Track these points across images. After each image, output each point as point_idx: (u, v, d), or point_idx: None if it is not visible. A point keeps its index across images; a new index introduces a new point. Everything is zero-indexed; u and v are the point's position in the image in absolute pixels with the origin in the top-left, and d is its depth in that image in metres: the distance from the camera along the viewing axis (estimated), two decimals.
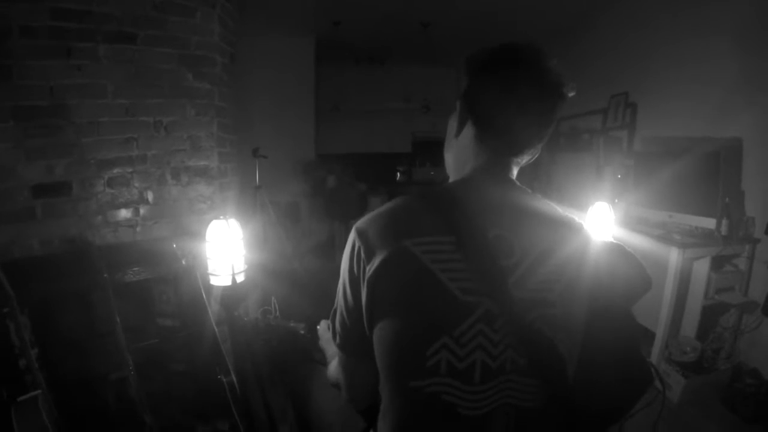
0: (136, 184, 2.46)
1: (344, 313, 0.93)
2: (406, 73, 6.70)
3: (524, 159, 0.95)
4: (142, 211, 2.49)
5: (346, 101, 6.49)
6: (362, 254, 0.86)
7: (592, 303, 0.92)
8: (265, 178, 3.88)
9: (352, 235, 0.90)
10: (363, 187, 5.59)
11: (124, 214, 2.44)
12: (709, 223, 2.72)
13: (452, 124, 0.99)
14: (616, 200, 3.34)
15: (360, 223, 0.90)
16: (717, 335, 2.86)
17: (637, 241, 2.85)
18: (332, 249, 5.34)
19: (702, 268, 2.80)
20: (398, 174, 7.13)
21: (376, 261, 0.83)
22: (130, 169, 2.43)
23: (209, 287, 2.25)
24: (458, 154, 0.98)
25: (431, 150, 6.83)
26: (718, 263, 2.82)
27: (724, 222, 2.70)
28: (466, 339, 0.81)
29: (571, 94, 0.90)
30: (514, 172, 0.96)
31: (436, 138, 6.70)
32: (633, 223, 3.19)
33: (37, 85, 2.18)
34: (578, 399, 0.87)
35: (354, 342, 0.94)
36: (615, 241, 1.04)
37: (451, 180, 0.99)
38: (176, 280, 2.51)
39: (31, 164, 2.18)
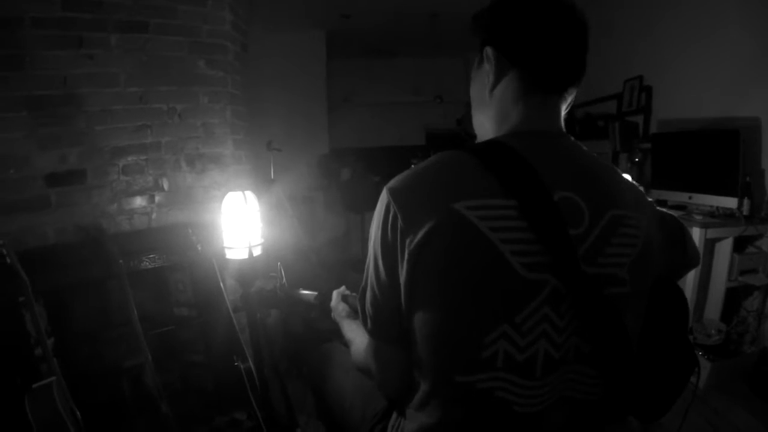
0: (151, 172, 2.45)
1: (376, 292, 0.80)
2: (417, 65, 6.65)
3: (569, 101, 0.86)
4: (156, 198, 2.48)
5: (357, 94, 6.47)
6: (400, 221, 0.72)
7: (655, 280, 0.82)
8: (279, 173, 3.87)
9: (385, 198, 0.75)
10: (377, 179, 5.57)
11: (139, 201, 2.43)
12: (730, 202, 2.66)
13: (480, 78, 0.87)
14: (635, 184, 3.28)
15: (394, 182, 0.76)
16: (741, 319, 2.80)
17: None
18: (348, 241, 5.33)
19: (724, 249, 2.74)
20: (412, 166, 6.98)
21: (421, 230, 0.69)
22: (144, 157, 2.43)
23: (224, 267, 2.22)
24: (497, 109, 0.84)
25: (445, 142, 6.64)
26: (740, 244, 2.76)
27: (746, 201, 2.64)
28: (528, 326, 0.69)
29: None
30: (562, 121, 0.84)
31: (449, 130, 6.69)
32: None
33: (50, 75, 2.18)
34: (636, 387, 0.79)
35: (388, 326, 0.81)
36: (667, 211, 0.96)
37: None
38: (192, 268, 2.50)
39: (44, 153, 2.18)
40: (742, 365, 2.61)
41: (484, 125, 0.88)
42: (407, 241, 0.71)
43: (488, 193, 0.69)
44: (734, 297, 2.82)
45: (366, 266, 0.83)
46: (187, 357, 2.51)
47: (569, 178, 0.74)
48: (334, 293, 1.28)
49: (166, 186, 2.49)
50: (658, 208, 0.89)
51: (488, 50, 0.83)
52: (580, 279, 0.69)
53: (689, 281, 2.68)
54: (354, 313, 1.16)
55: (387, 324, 0.82)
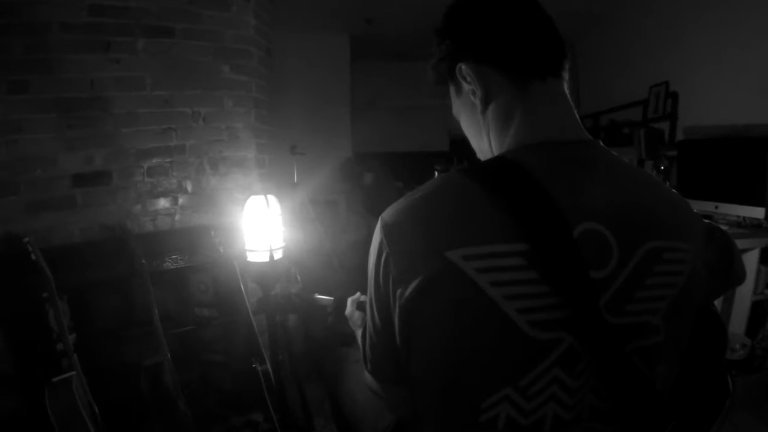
0: (175, 174, 2.49)
1: (373, 334, 0.74)
2: None
3: (566, 74, 0.75)
4: (180, 200, 2.52)
5: (382, 98, 6.43)
6: (392, 266, 0.64)
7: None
8: (303, 176, 3.90)
9: (378, 235, 0.68)
10: (400, 185, 5.56)
11: (163, 203, 2.47)
12: (758, 212, 2.59)
13: (466, 103, 0.78)
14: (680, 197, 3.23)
15: (389, 214, 0.68)
16: (767, 333, 2.73)
17: None
18: (369, 245, 5.23)
19: (751, 260, 2.67)
20: (435, 173, 6.94)
21: (413, 282, 0.61)
22: (168, 159, 2.47)
23: (246, 269, 2.25)
24: (497, 125, 0.74)
25: (469, 148, 6.50)
26: (767, 256, 2.69)
27: None
28: (535, 390, 0.61)
29: None
30: (575, 112, 0.73)
31: None
32: None
33: (78, 78, 2.24)
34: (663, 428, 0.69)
35: (387, 369, 0.75)
36: (716, 226, 0.81)
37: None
38: (214, 269, 2.53)
39: (71, 154, 2.25)
40: (767, 381, 2.54)
41: (485, 149, 0.78)
42: (398, 293, 0.64)
43: (490, 237, 0.59)
44: (760, 310, 2.74)
45: (368, 301, 0.75)
46: (207, 357, 2.54)
47: (597, 203, 0.62)
48: (349, 300, 1.21)
49: (189, 188, 2.53)
50: (706, 221, 0.75)
51: (462, 67, 0.74)
52: (600, 334, 0.59)
53: None
54: None
55: (386, 367, 0.75)
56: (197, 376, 2.50)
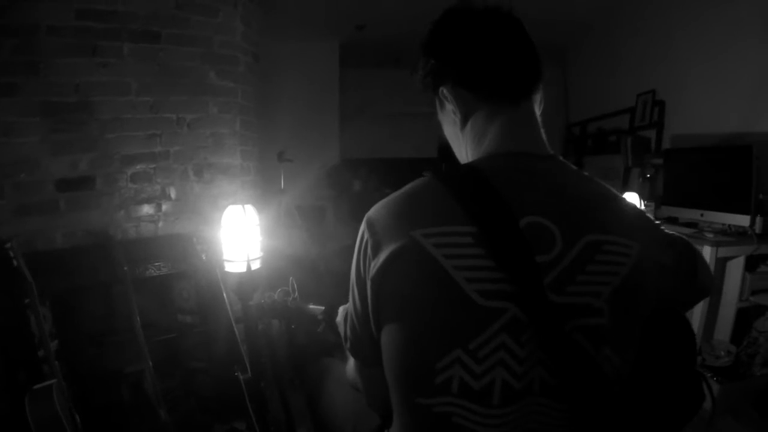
0: (159, 180, 2.49)
1: (353, 315, 0.83)
2: None
3: (538, 96, 0.84)
4: (164, 206, 2.51)
5: (371, 105, 6.39)
6: (368, 249, 0.75)
7: (653, 308, 0.76)
8: (290, 182, 3.89)
9: (363, 226, 0.78)
10: (387, 191, 5.56)
11: (147, 209, 2.47)
12: (743, 220, 2.60)
13: (448, 119, 0.89)
14: (645, 201, 3.24)
15: (372, 211, 0.79)
16: (752, 340, 2.72)
17: None
18: None
19: (736, 268, 2.68)
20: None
21: (382, 256, 0.72)
22: (152, 165, 2.46)
23: (224, 278, 2.24)
24: (472, 138, 0.84)
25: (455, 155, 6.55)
26: (752, 263, 2.69)
27: (758, 219, 2.58)
28: (484, 353, 0.67)
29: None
30: (542, 131, 0.83)
31: None
32: (663, 223, 3.09)
33: (64, 82, 2.24)
34: (622, 424, 0.72)
35: (365, 347, 0.83)
36: (679, 236, 0.87)
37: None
38: (196, 277, 2.52)
39: (56, 158, 2.24)
40: (752, 388, 2.54)
41: (463, 157, 0.88)
42: (371, 266, 0.74)
43: (447, 221, 0.70)
44: (745, 317, 2.75)
45: (349, 291, 0.85)
46: (190, 364, 2.53)
47: (542, 201, 0.72)
48: (341, 309, 1.21)
49: (173, 195, 2.53)
50: (668, 232, 0.84)
51: (443, 90, 0.84)
52: (543, 308, 0.66)
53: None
54: None
55: (364, 346, 0.83)
56: (180, 383, 2.49)
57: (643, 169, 3.42)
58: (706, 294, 0.91)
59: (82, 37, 2.25)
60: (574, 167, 0.81)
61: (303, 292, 1.64)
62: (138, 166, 2.43)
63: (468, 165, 0.79)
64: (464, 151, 0.87)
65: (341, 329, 0.91)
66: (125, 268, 2.20)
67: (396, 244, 0.70)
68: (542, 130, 0.83)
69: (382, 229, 0.74)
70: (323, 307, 1.44)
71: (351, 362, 0.99)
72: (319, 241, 3.88)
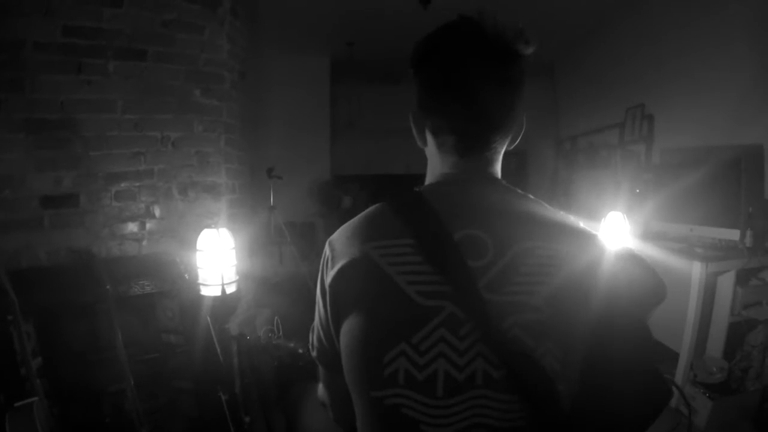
0: (143, 199, 2.48)
1: (318, 325, 0.92)
2: None
3: (498, 147, 0.87)
4: (148, 225, 2.50)
5: (361, 121, 6.43)
6: (328, 262, 0.85)
7: (598, 310, 0.80)
8: (279, 198, 3.87)
9: (325, 247, 0.88)
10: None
11: (131, 227, 2.45)
12: (733, 234, 2.58)
13: (415, 135, 0.95)
14: (635, 215, 3.23)
15: (334, 234, 0.89)
16: (745, 354, 2.70)
17: (658, 256, 2.73)
18: None
19: (727, 282, 2.66)
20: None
21: (338, 266, 0.81)
22: (137, 183, 2.45)
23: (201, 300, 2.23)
24: (431, 161, 0.92)
25: None
26: (743, 277, 2.67)
27: (749, 233, 2.57)
28: (425, 346, 0.74)
29: (528, 51, 0.80)
30: (494, 164, 0.88)
31: None
32: (653, 238, 3.07)
33: (48, 99, 2.24)
34: (578, 418, 0.77)
35: (329, 355, 0.91)
36: (624, 247, 0.93)
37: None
38: (180, 295, 2.49)
39: (40, 175, 2.23)
40: (746, 403, 2.50)
41: (428, 173, 0.94)
42: (328, 276, 0.84)
43: (391, 235, 0.80)
44: (737, 331, 2.72)
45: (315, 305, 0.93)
46: (175, 383, 2.49)
47: (476, 217, 0.80)
48: None
49: (157, 213, 2.51)
50: (611, 245, 0.89)
51: (411, 114, 0.92)
52: (477, 305, 0.73)
53: (690, 317, 2.60)
54: None
55: (329, 353, 0.90)
56: (164, 402, 2.45)
57: (632, 185, 3.41)
58: (662, 297, 0.92)
59: (68, 54, 2.26)
60: (512, 188, 0.87)
61: (293, 323, 1.67)
62: (122, 184, 2.42)
63: (414, 191, 0.86)
64: (428, 167, 0.94)
65: (310, 340, 0.97)
66: (108, 287, 2.18)
67: (349, 255, 0.80)
68: (496, 161, 0.89)
69: (339, 245, 0.84)
70: (303, 342, 1.50)
71: (321, 382, 1.06)
72: (309, 258, 3.86)
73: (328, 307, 0.85)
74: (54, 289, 2.18)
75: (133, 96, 2.41)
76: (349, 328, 0.81)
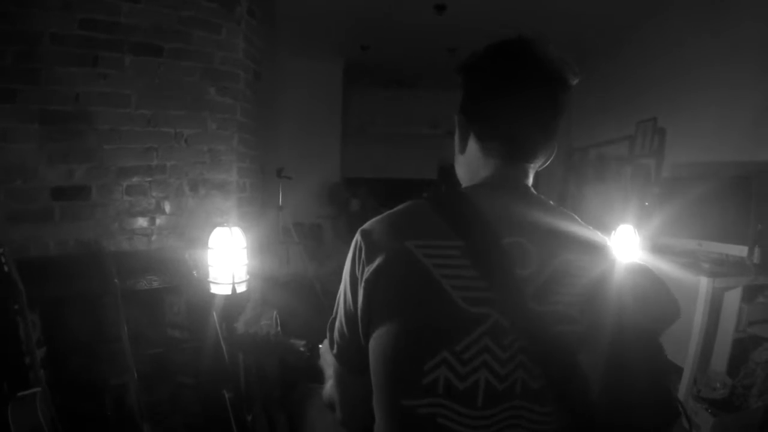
0: (154, 194, 2.49)
1: (343, 319, 0.87)
2: (435, 98, 6.47)
3: (538, 162, 0.90)
4: (158, 220, 2.51)
5: (373, 125, 6.48)
6: (363, 255, 0.81)
7: (618, 324, 0.82)
8: (288, 199, 3.88)
9: (356, 236, 0.85)
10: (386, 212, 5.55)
11: (140, 222, 2.46)
12: (741, 251, 2.57)
13: (456, 140, 0.95)
14: (644, 229, 3.22)
15: (366, 224, 0.86)
16: (749, 371, 2.68)
17: (665, 270, 2.72)
18: None
19: (733, 298, 2.65)
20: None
21: (376, 261, 0.78)
22: (148, 179, 2.47)
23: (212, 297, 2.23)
24: (468, 167, 0.93)
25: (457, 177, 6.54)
26: (750, 294, 2.66)
27: (757, 250, 2.56)
28: (468, 355, 0.73)
29: (574, 82, 0.84)
30: (530, 178, 0.90)
31: None
32: (661, 252, 3.06)
33: (64, 91, 2.26)
34: (600, 428, 0.77)
35: (351, 352, 0.87)
36: (642, 263, 0.97)
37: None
38: (187, 292, 2.49)
39: (52, 167, 2.25)
40: (748, 420, 2.49)
41: (463, 178, 0.96)
42: (365, 270, 0.79)
43: (438, 235, 0.77)
44: (742, 347, 2.71)
45: (337, 297, 0.89)
46: (178, 379, 2.49)
47: (521, 225, 0.80)
48: (325, 341, 1.35)
49: (168, 209, 2.53)
50: (630, 260, 0.96)
51: (456, 117, 0.92)
52: (524, 314, 0.73)
53: (695, 332, 2.59)
54: None
55: (351, 350, 0.87)
56: (167, 397, 2.45)
57: (641, 198, 3.41)
58: (673, 317, 0.97)
59: (84, 47, 2.28)
60: (546, 200, 0.89)
61: (293, 320, 1.66)
62: (134, 179, 2.43)
63: (458, 191, 0.88)
64: (462, 170, 0.95)
65: (328, 336, 0.94)
66: (116, 281, 2.19)
67: (389, 250, 0.77)
68: (531, 174, 0.91)
69: (378, 237, 0.81)
70: (305, 341, 1.50)
71: (328, 382, 1.03)
72: (316, 259, 3.86)
73: (360, 302, 0.81)
74: (61, 280, 2.19)
75: (147, 91, 2.43)
76: (384, 329, 0.77)
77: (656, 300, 0.96)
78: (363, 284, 0.79)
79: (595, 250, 0.84)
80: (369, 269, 0.78)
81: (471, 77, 0.89)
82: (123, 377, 2.17)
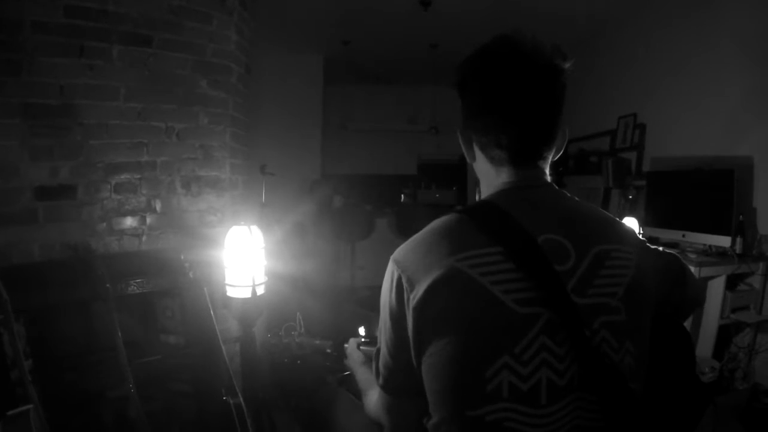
0: (144, 192, 2.35)
1: (388, 350, 0.88)
2: (414, 93, 6.64)
3: (549, 155, 0.90)
4: (148, 220, 2.37)
5: (353, 121, 6.45)
6: (404, 283, 0.80)
7: (657, 311, 0.86)
8: (270, 196, 3.79)
9: (390, 267, 0.85)
10: (369, 208, 5.52)
11: (130, 222, 2.32)
12: (724, 241, 2.71)
13: (464, 151, 0.96)
14: (627, 222, 3.33)
15: (396, 253, 0.86)
16: (732, 355, 2.83)
17: None
18: (337, 269, 5.26)
19: (717, 287, 2.77)
20: (402, 196, 6.79)
21: (422, 286, 0.77)
22: (138, 176, 2.33)
23: (218, 301, 2.14)
24: (485, 175, 0.93)
25: (437, 172, 6.74)
26: (733, 282, 2.80)
27: (739, 240, 2.70)
28: (528, 355, 0.74)
29: (567, 65, 0.85)
30: (547, 173, 0.90)
31: (441, 160, 6.72)
32: (648, 242, 3.17)
33: (47, 83, 2.09)
34: (645, 416, 0.79)
35: (400, 380, 0.88)
36: (671, 251, 1.00)
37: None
38: (182, 295, 2.37)
39: (35, 165, 2.08)
40: (735, 402, 2.62)
41: (483, 183, 0.96)
42: (410, 297, 0.79)
43: (476, 245, 0.78)
44: (726, 334, 2.84)
45: (379, 329, 0.90)
46: (173, 386, 2.37)
47: (552, 222, 0.82)
48: (351, 340, 1.34)
49: (159, 208, 2.40)
50: (652, 246, 0.96)
51: (458, 132, 0.94)
52: (570, 309, 0.74)
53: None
54: (368, 361, 1.22)
55: (399, 377, 0.88)
56: (161, 406, 2.32)
57: (624, 191, 3.51)
58: (699, 302, 1.04)
59: (70, 36, 2.11)
60: (564, 191, 0.91)
61: (307, 321, 1.61)
62: (123, 176, 2.29)
63: (484, 201, 0.89)
64: (479, 177, 0.96)
65: (373, 366, 0.94)
66: (107, 285, 2.05)
67: (434, 272, 0.77)
68: (547, 168, 0.92)
69: (415, 264, 0.80)
70: (330, 341, 1.48)
71: (371, 397, 1.05)
72: (298, 257, 3.78)
73: (411, 331, 0.80)
74: (47, 287, 2.03)
75: (137, 84, 2.29)
76: (440, 347, 0.77)
77: (693, 284, 1.01)
78: (411, 311, 0.79)
79: (626, 238, 0.86)
80: (415, 295, 0.78)
81: (464, 93, 0.90)
82: (121, 389, 2.04)
